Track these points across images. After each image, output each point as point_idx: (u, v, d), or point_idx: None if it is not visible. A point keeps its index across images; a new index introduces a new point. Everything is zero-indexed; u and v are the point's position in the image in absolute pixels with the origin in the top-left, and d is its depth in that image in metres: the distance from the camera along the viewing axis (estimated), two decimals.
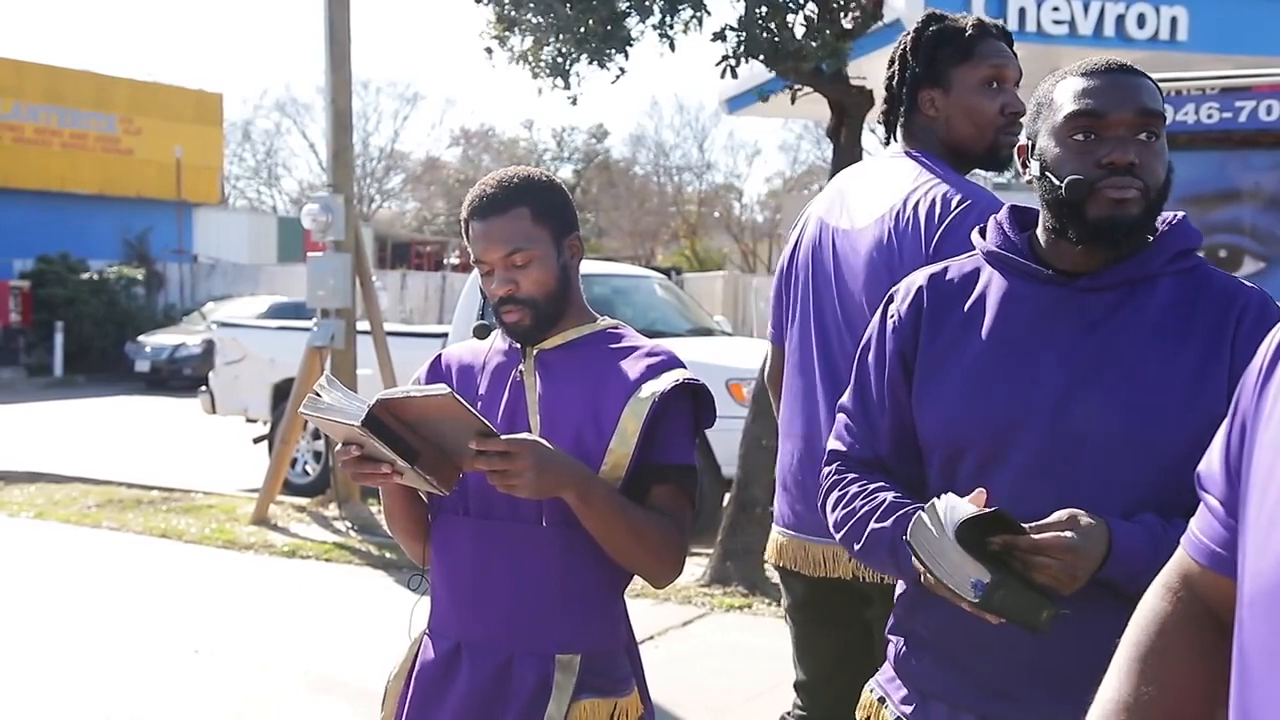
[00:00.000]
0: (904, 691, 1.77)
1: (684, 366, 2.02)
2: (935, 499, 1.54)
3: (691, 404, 2.01)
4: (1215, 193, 6.12)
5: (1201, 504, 1.17)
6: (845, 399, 1.87)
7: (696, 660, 5.27)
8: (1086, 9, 12.52)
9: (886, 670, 1.83)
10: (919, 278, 1.83)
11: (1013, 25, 12.55)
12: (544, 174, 2.08)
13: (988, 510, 1.51)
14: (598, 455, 1.94)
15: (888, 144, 2.58)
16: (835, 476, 1.83)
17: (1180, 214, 1.77)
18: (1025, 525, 1.52)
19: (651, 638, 5.54)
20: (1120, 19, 12.58)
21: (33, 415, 15.11)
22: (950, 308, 1.77)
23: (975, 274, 1.78)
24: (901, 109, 2.51)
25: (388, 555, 7.20)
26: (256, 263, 27.94)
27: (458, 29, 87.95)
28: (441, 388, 1.74)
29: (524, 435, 1.85)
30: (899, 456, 1.78)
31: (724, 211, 43.41)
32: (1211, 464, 1.15)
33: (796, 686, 2.69)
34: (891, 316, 1.82)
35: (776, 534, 2.61)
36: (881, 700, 1.81)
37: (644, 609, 5.84)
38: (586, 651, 1.98)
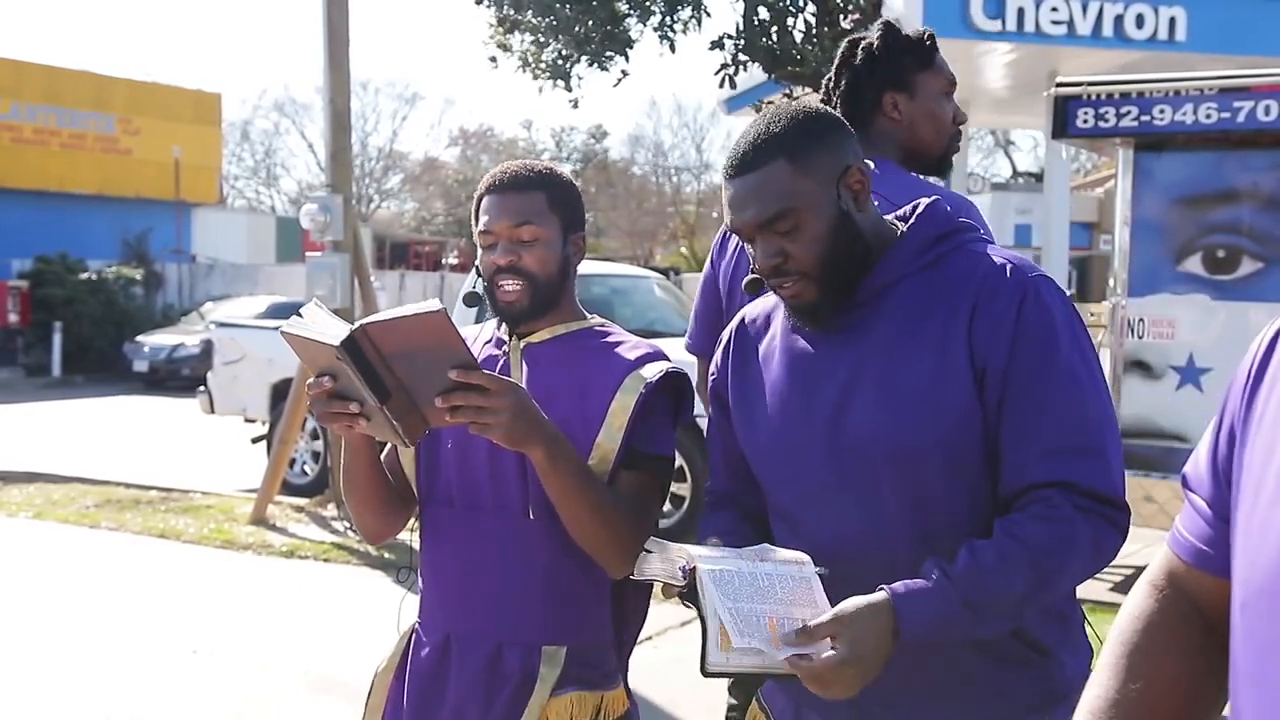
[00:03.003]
0: (782, 703, 1.83)
1: (668, 359, 2.03)
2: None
3: (674, 397, 2.02)
4: (1213, 193, 6.12)
5: (1187, 503, 1.18)
6: (708, 443, 1.97)
7: (696, 660, 5.27)
8: (1085, 9, 12.53)
9: (769, 683, 1.88)
10: (734, 322, 1.92)
11: (1011, 25, 12.56)
12: (564, 171, 2.11)
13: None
14: (584, 449, 1.94)
15: None
16: (704, 510, 1.97)
17: (927, 201, 1.78)
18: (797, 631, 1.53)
19: (651, 638, 5.54)
20: (1119, 19, 12.59)
21: (31, 415, 15.11)
22: (752, 349, 1.86)
23: (775, 311, 1.85)
24: (858, 113, 2.53)
25: (386, 555, 7.20)
26: (255, 263, 27.94)
27: (457, 29, 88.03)
28: (434, 304, 1.67)
29: (506, 378, 1.83)
30: (744, 488, 1.87)
31: (722, 212, 43.37)
32: (1198, 465, 1.16)
33: (734, 685, 2.72)
34: (712, 362, 1.93)
35: None
36: (765, 711, 1.87)
37: None
38: (573, 643, 1.99)
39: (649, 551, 1.67)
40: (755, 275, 1.76)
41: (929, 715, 1.68)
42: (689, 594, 1.56)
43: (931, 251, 1.72)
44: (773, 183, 1.67)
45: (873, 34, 2.51)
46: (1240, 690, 0.99)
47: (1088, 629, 1.81)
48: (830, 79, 2.54)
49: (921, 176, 2.50)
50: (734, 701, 2.76)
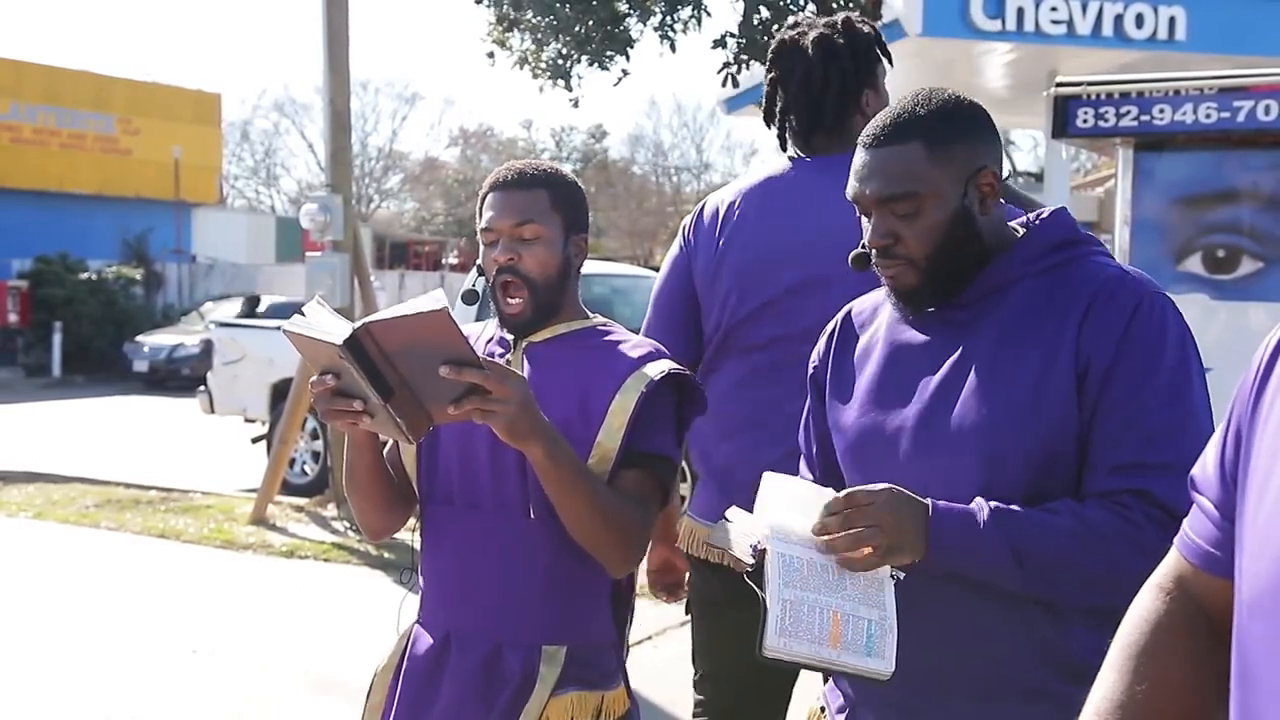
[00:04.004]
0: (839, 701, 1.83)
1: (671, 359, 2.03)
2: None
3: (677, 397, 2.02)
4: (1213, 193, 6.12)
5: (1195, 506, 1.18)
6: (801, 428, 1.97)
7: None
8: (1085, 9, 12.52)
9: (829, 681, 1.88)
10: (840, 314, 1.93)
11: (1011, 25, 12.56)
12: (570, 173, 2.11)
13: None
14: (584, 448, 1.94)
15: (803, 152, 2.57)
16: None
17: (1053, 209, 1.78)
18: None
19: (651, 638, 5.54)
20: (1118, 19, 12.59)
21: (31, 415, 15.10)
22: (853, 341, 1.86)
23: (882, 305, 1.85)
24: (835, 112, 2.52)
25: (386, 555, 7.20)
26: (255, 263, 27.94)
27: (456, 29, 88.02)
28: (437, 302, 1.67)
29: (514, 370, 1.82)
30: (833, 484, 1.86)
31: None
32: (1206, 467, 1.16)
33: (700, 680, 2.71)
34: (815, 350, 1.93)
35: (697, 525, 2.62)
36: (823, 709, 1.87)
37: (644, 609, 5.82)
38: (573, 643, 1.98)
39: (728, 520, 1.66)
40: (862, 250, 1.74)
41: (977, 715, 1.66)
42: (755, 573, 1.55)
43: (1051, 257, 1.70)
44: (904, 162, 1.65)
45: (835, 31, 2.50)
46: (1249, 691, 0.99)
47: None
48: (808, 78, 2.49)
49: None
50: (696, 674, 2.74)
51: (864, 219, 1.72)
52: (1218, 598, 1.12)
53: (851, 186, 1.71)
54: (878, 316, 1.84)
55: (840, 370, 1.84)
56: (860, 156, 1.70)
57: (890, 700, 1.69)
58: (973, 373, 1.66)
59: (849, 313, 1.90)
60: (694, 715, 2.72)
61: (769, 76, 2.60)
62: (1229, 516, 1.10)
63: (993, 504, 1.56)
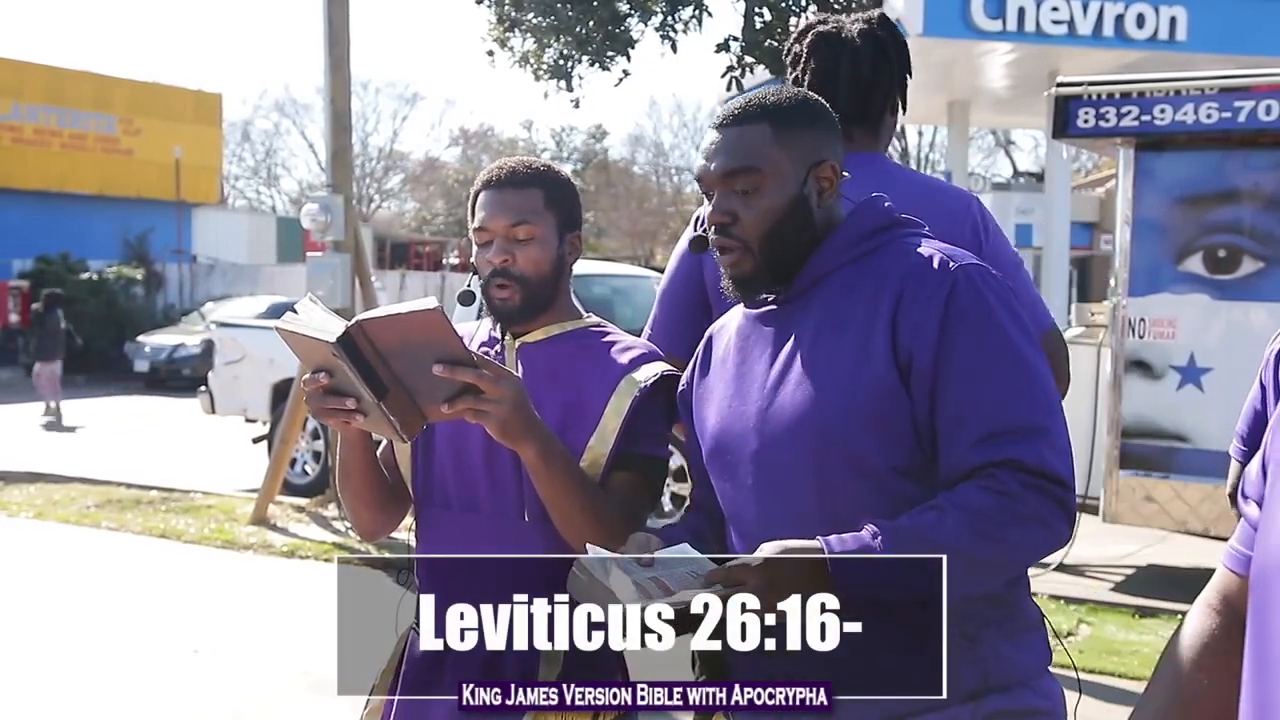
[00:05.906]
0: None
1: (664, 360, 2.03)
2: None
3: (668, 399, 2.02)
4: (1214, 192, 6.12)
5: (1241, 519, 1.19)
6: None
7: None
8: (1085, 9, 12.52)
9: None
10: (706, 334, 1.95)
11: (1012, 25, 12.56)
12: (563, 170, 2.10)
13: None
14: (577, 450, 1.94)
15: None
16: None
17: (870, 198, 1.79)
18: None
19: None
20: (1119, 19, 12.59)
21: (32, 415, 15.11)
22: (713, 349, 1.88)
23: (735, 314, 1.87)
24: (880, 106, 2.49)
25: (387, 555, 7.20)
26: (255, 263, 27.94)
27: (457, 29, 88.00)
28: (430, 301, 1.67)
29: (506, 369, 1.82)
30: (710, 492, 1.87)
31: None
32: (1250, 469, 1.18)
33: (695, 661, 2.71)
34: (684, 376, 1.95)
35: None
36: None
37: None
38: (571, 644, 1.98)
39: (579, 574, 1.63)
40: (700, 234, 1.77)
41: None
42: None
43: (864, 244, 1.73)
44: (749, 141, 1.70)
45: (875, 25, 2.46)
46: (1264, 667, 1.00)
47: (1047, 624, 1.76)
48: (857, 71, 2.42)
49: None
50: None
51: (706, 201, 1.75)
52: None
53: (698, 166, 1.75)
54: (729, 326, 1.86)
55: (701, 385, 1.86)
56: (709, 136, 1.74)
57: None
58: (797, 361, 1.68)
59: (710, 334, 1.92)
60: (694, 716, 2.72)
61: (809, 67, 2.49)
62: None
63: (878, 525, 1.53)
